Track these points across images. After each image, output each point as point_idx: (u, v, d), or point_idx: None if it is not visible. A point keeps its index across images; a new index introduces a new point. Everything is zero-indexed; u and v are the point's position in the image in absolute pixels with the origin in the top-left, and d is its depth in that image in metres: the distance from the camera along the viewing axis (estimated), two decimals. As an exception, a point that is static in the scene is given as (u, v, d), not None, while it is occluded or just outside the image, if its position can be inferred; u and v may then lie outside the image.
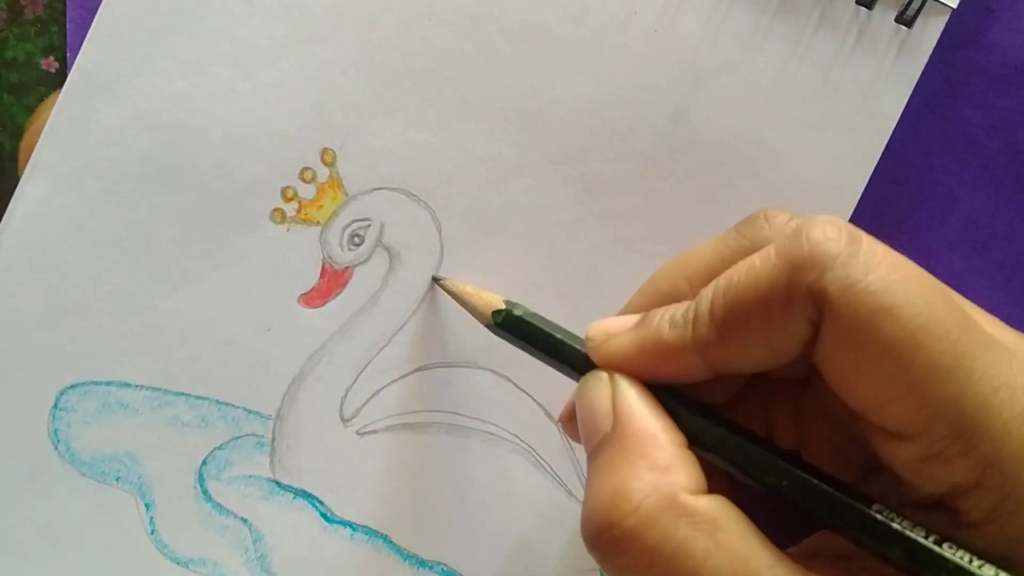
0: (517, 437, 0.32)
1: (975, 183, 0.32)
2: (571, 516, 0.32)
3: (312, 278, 0.32)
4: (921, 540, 0.21)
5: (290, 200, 0.32)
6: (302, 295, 0.32)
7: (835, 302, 0.21)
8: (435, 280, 0.32)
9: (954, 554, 0.21)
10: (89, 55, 0.31)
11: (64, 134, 0.31)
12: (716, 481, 0.23)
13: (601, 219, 0.31)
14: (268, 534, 0.33)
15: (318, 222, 0.32)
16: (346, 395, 0.32)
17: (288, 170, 0.32)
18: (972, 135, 0.32)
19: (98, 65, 0.31)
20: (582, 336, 0.26)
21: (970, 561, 0.21)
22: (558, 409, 0.32)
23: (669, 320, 0.24)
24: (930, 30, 0.30)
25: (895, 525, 0.22)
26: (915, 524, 0.22)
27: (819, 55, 0.30)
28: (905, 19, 0.30)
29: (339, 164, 0.32)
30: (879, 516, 0.22)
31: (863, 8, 0.30)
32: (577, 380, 0.26)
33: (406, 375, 0.32)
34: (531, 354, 0.27)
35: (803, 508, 0.23)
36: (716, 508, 0.22)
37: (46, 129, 0.31)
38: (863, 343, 0.21)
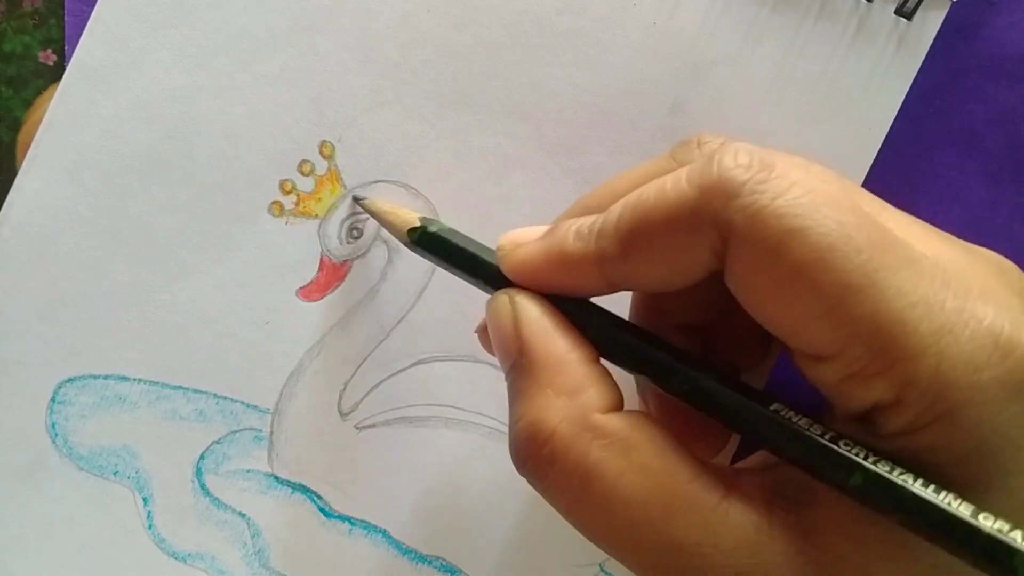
0: (516, 431, 0.32)
1: (975, 176, 0.32)
2: (570, 510, 0.32)
3: (310, 271, 0.32)
4: (816, 436, 0.21)
5: (288, 193, 0.32)
6: (300, 288, 0.32)
7: (740, 229, 0.21)
8: (355, 199, 0.31)
9: (848, 450, 0.21)
10: (87, 48, 0.31)
11: (62, 127, 0.31)
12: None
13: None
14: (266, 528, 0.33)
15: (317, 215, 0.32)
16: (345, 389, 0.32)
17: (286, 163, 0.32)
18: (972, 128, 0.32)
19: (96, 58, 0.31)
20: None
21: (864, 458, 0.21)
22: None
23: (575, 232, 0.24)
24: (930, 23, 0.30)
25: (791, 423, 0.21)
26: (812, 423, 0.21)
27: (818, 47, 0.30)
28: (905, 11, 0.30)
29: (338, 157, 0.32)
30: (774, 415, 0.22)
31: (863, 0, 0.30)
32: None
33: (405, 369, 0.32)
34: (448, 270, 0.27)
35: (708, 411, 0.23)
36: (629, 426, 0.22)
37: (44, 122, 0.31)
38: (771, 267, 0.21)
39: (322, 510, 0.33)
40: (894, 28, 0.30)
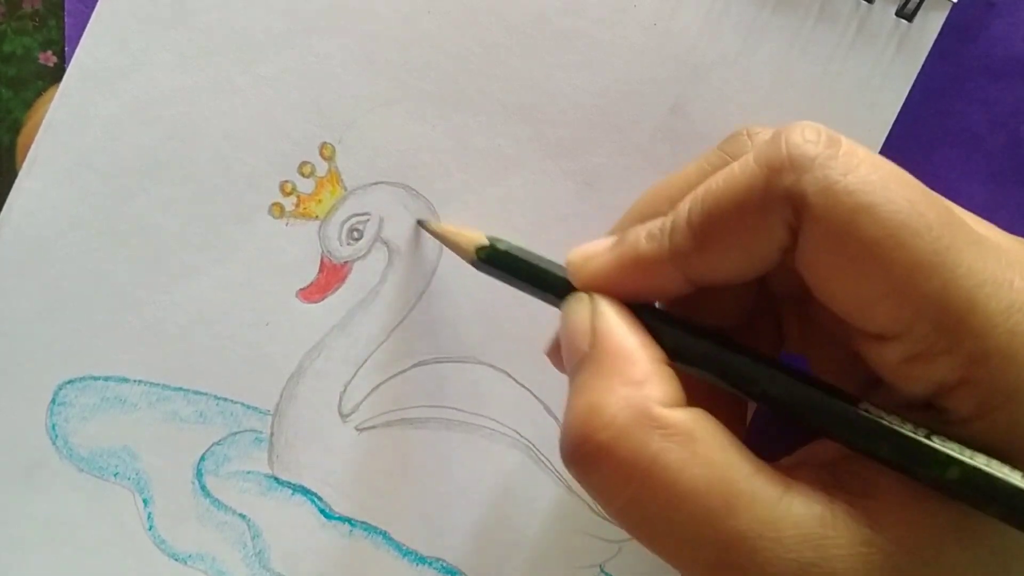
0: (516, 432, 0.32)
1: (976, 177, 0.32)
2: (570, 512, 0.32)
3: (311, 273, 0.32)
4: (910, 434, 0.21)
5: (289, 194, 0.32)
6: (301, 290, 0.32)
7: (813, 203, 0.21)
8: (419, 223, 0.31)
9: (944, 445, 0.21)
10: (87, 49, 0.31)
11: (62, 128, 0.31)
12: (706, 400, 0.23)
13: (600, 212, 0.31)
14: (266, 530, 0.33)
15: (317, 216, 0.32)
16: (345, 390, 0.32)
17: (287, 164, 0.32)
18: (973, 129, 0.32)
19: (96, 59, 0.31)
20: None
21: (960, 452, 0.21)
22: (558, 405, 0.32)
23: (646, 234, 0.24)
24: (930, 24, 0.30)
25: (884, 422, 0.21)
26: (904, 420, 0.21)
27: (819, 49, 0.30)
28: (905, 13, 0.30)
29: (338, 158, 0.32)
30: (866, 414, 0.22)
31: (863, 2, 0.30)
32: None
33: (405, 370, 0.32)
34: (517, 287, 0.27)
35: (790, 414, 0.23)
36: (691, 420, 0.22)
37: (44, 123, 0.31)
38: (843, 243, 0.21)
39: (322, 511, 0.33)
40: (895, 29, 0.30)
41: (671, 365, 0.23)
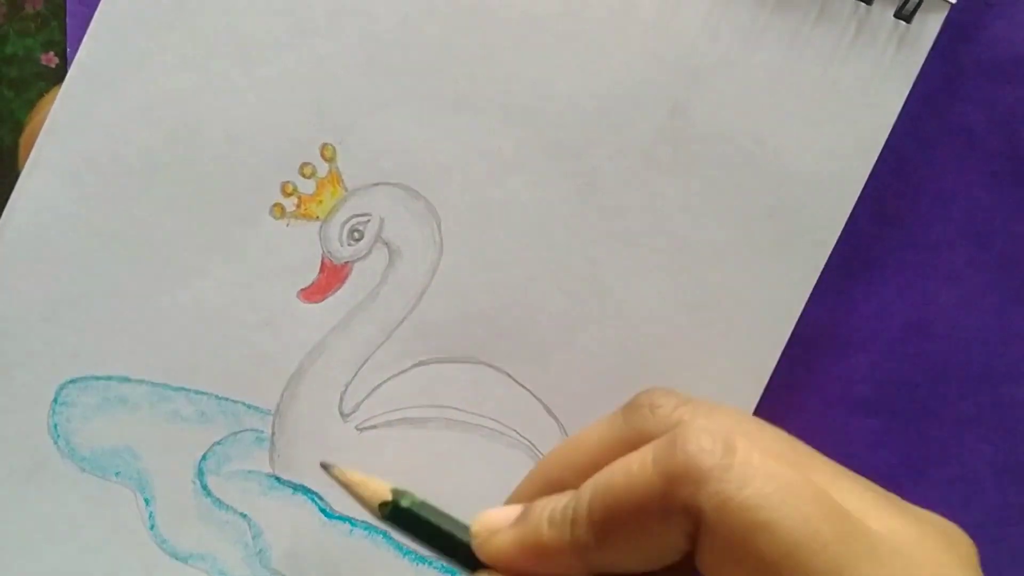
0: (516, 432, 0.32)
1: (975, 178, 0.32)
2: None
3: (312, 273, 0.32)
4: None
5: (290, 195, 0.32)
6: (302, 290, 0.32)
7: (710, 519, 0.21)
8: (324, 467, 0.28)
9: None
10: (89, 50, 0.31)
11: (64, 129, 0.31)
12: None
13: (601, 214, 0.31)
14: (267, 529, 0.33)
15: (317, 217, 0.32)
16: (346, 390, 0.32)
17: (288, 165, 0.32)
18: (972, 130, 0.32)
19: (98, 60, 0.31)
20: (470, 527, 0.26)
21: None
22: (558, 404, 0.32)
23: (547, 518, 0.24)
24: (929, 25, 0.30)
25: None
26: None
27: (818, 50, 0.30)
28: (904, 14, 0.30)
29: (339, 159, 0.32)
30: None
31: (862, 3, 0.30)
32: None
33: (405, 370, 0.32)
34: (421, 546, 0.26)
35: None
36: None
37: (46, 124, 0.31)
38: (740, 559, 0.21)
39: (323, 511, 0.33)
40: (894, 31, 0.30)
41: None
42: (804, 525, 0.21)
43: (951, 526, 0.25)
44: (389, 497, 0.26)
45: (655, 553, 0.23)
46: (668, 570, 0.24)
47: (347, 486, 0.28)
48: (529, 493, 0.26)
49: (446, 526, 0.26)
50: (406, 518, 0.26)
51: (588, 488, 0.24)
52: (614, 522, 0.23)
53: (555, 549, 0.24)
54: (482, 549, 0.25)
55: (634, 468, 0.23)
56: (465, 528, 0.26)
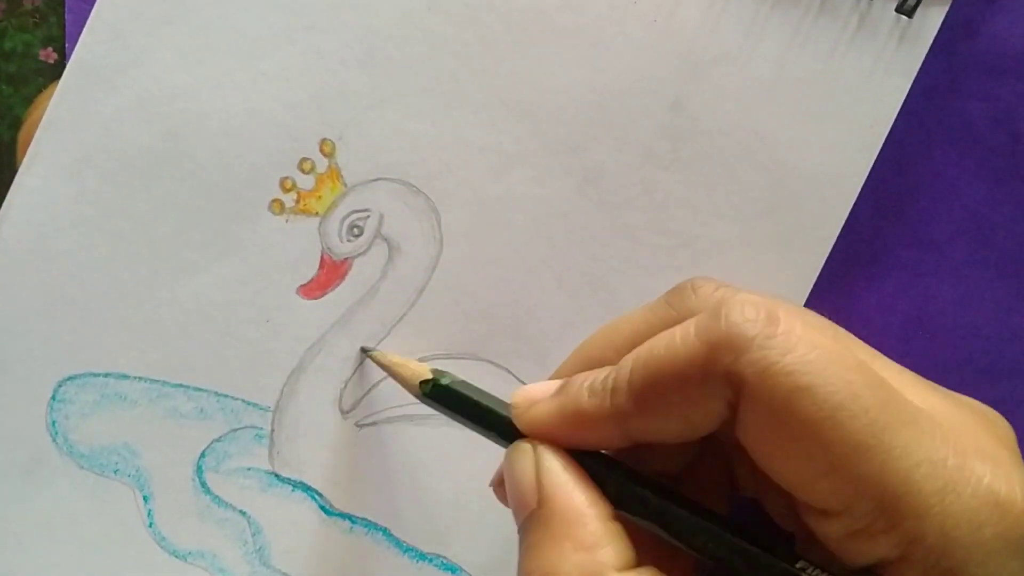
0: (517, 429, 0.32)
1: (976, 174, 0.32)
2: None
3: (311, 269, 0.32)
4: None
5: (289, 191, 0.32)
6: (301, 286, 0.32)
7: (752, 385, 0.21)
8: (363, 351, 0.32)
9: None
10: (88, 46, 0.31)
11: (63, 125, 0.31)
12: (655, 549, 0.24)
13: (601, 209, 0.31)
14: (267, 526, 0.33)
15: (317, 213, 0.32)
16: (345, 387, 0.32)
17: (287, 160, 0.32)
18: (973, 126, 0.32)
19: (97, 56, 0.31)
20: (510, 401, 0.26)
21: None
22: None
23: (588, 387, 0.24)
24: (931, 20, 0.30)
25: None
26: None
27: (819, 45, 0.30)
28: (906, 9, 0.30)
29: (338, 154, 0.32)
30: (803, 574, 0.22)
31: (863, -2, 0.30)
32: (506, 448, 0.26)
33: (405, 367, 0.32)
34: (460, 422, 0.27)
35: (731, 568, 0.23)
36: None
37: (45, 120, 0.31)
38: (782, 424, 0.21)
39: (323, 508, 0.33)
40: (895, 25, 0.30)
41: (619, 519, 0.24)
42: (846, 388, 0.21)
43: (989, 409, 0.25)
44: (430, 376, 0.27)
45: (694, 421, 0.23)
46: (703, 441, 0.24)
47: (387, 367, 0.30)
48: (568, 371, 0.26)
49: (486, 401, 0.26)
50: (446, 395, 0.27)
51: (630, 359, 0.24)
52: (655, 390, 0.23)
53: (595, 417, 0.24)
54: (522, 419, 0.25)
55: (677, 338, 0.23)
56: (505, 404, 0.26)
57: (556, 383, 0.25)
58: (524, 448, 0.25)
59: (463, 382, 0.27)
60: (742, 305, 0.22)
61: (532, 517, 0.24)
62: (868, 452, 0.21)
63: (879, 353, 0.25)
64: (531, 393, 0.25)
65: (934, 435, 0.21)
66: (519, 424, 0.25)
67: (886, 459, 0.21)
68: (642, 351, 0.24)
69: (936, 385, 0.25)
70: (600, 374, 0.24)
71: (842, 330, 0.25)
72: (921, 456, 0.21)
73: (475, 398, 0.27)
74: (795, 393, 0.21)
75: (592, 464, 0.24)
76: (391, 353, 0.31)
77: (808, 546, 0.24)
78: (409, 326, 0.32)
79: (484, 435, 0.26)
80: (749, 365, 0.21)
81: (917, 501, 0.21)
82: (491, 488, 0.27)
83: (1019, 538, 0.21)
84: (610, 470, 0.25)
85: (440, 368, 0.28)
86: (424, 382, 0.27)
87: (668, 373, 0.23)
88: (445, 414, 0.27)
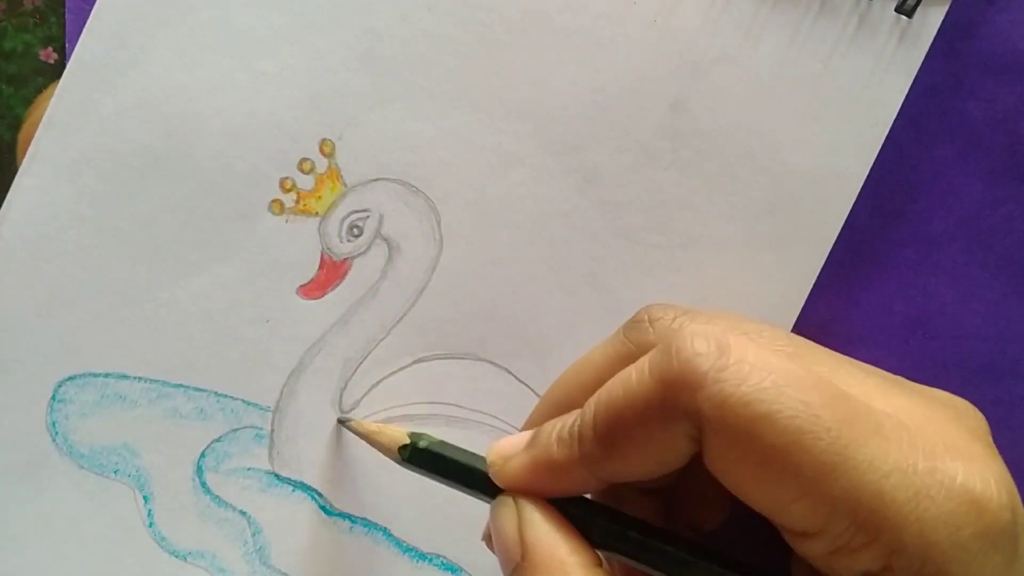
0: (516, 429, 0.32)
1: (976, 174, 0.32)
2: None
3: (311, 269, 0.32)
4: None
5: (289, 191, 0.32)
6: (301, 286, 0.32)
7: (711, 419, 0.21)
8: (340, 422, 0.32)
9: None
10: (87, 46, 0.31)
11: (63, 125, 0.31)
12: None
13: (601, 209, 0.31)
14: (267, 526, 0.33)
15: (317, 213, 0.32)
16: (345, 387, 0.32)
17: (287, 161, 0.32)
18: (973, 126, 0.32)
19: (97, 56, 0.31)
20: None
21: None
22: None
23: (556, 437, 0.25)
24: (931, 20, 0.30)
25: None
26: None
27: (819, 45, 0.30)
28: (905, 9, 0.30)
29: (338, 155, 0.32)
30: None
31: (863, -2, 0.30)
32: (491, 503, 0.26)
33: (405, 367, 0.32)
34: (442, 483, 0.27)
35: None
36: None
37: (44, 120, 0.31)
38: (746, 454, 0.21)
39: (323, 508, 0.33)
40: (895, 26, 0.30)
41: (602, 565, 0.24)
42: (805, 411, 0.21)
43: (959, 400, 0.25)
44: (407, 440, 0.28)
45: (663, 459, 0.23)
46: (680, 473, 0.24)
47: (365, 436, 0.30)
48: (539, 418, 0.27)
49: (464, 460, 0.27)
50: (425, 457, 0.27)
51: (591, 404, 0.24)
52: (618, 434, 0.23)
53: (566, 465, 0.24)
54: (499, 476, 0.26)
55: (632, 379, 0.23)
56: (482, 460, 0.26)
57: (527, 435, 0.26)
58: (506, 503, 0.25)
59: (441, 442, 0.27)
60: (692, 339, 0.22)
61: (518, 570, 0.24)
62: (836, 471, 0.21)
63: (844, 357, 0.25)
64: (504, 449, 0.26)
65: (901, 441, 0.21)
66: (497, 481, 0.26)
67: (854, 475, 0.21)
68: (602, 394, 0.24)
69: (904, 381, 0.25)
70: (568, 420, 0.25)
71: (801, 341, 0.25)
72: (890, 466, 0.21)
73: (454, 457, 0.27)
74: (755, 423, 0.21)
75: (575, 510, 0.25)
76: (367, 421, 0.31)
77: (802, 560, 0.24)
78: (409, 326, 0.32)
79: (468, 494, 0.27)
80: (706, 400, 0.21)
81: (892, 512, 0.21)
82: (483, 542, 0.28)
83: (998, 533, 0.21)
84: (593, 514, 0.25)
85: (417, 431, 0.28)
86: (403, 447, 0.28)
87: (628, 416, 0.23)
88: (427, 476, 0.28)
